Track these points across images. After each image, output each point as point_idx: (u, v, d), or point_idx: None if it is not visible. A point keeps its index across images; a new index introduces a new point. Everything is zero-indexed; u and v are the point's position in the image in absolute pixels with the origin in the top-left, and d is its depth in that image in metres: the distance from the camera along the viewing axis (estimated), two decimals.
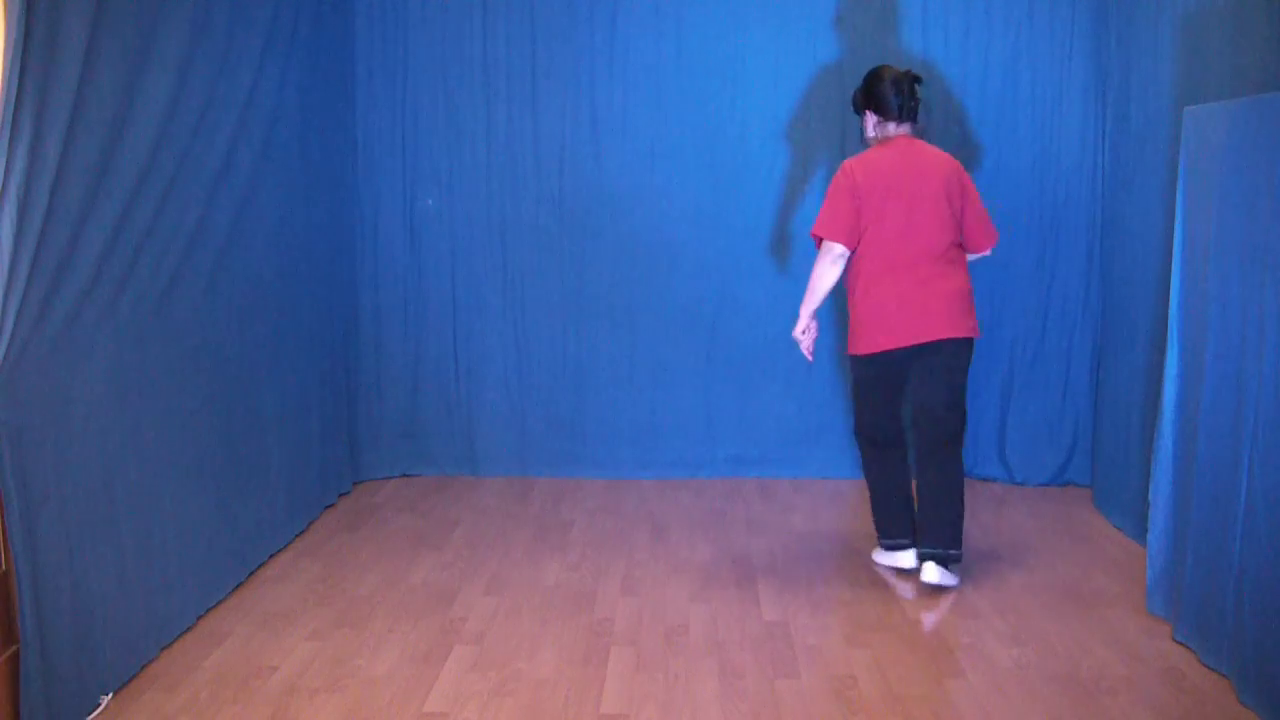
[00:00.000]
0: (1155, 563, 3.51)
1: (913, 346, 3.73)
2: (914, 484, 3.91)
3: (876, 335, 3.75)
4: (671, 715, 2.94)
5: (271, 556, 4.07)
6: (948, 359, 3.74)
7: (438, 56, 5.02)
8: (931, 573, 3.74)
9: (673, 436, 5.20)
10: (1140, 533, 4.00)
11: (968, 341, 3.77)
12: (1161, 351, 3.59)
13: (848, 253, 3.78)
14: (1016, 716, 2.92)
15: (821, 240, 3.79)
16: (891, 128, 3.84)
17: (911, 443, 3.89)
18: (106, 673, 2.98)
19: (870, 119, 3.88)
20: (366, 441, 5.12)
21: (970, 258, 3.88)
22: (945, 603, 3.68)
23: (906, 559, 3.94)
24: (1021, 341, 5.06)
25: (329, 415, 4.70)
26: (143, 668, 3.16)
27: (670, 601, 3.72)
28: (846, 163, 3.82)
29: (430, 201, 5.10)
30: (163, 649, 3.28)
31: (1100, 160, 4.87)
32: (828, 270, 3.79)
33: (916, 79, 3.85)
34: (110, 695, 2.97)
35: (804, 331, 3.89)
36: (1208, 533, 3.18)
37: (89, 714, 2.88)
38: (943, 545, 3.75)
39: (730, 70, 4.99)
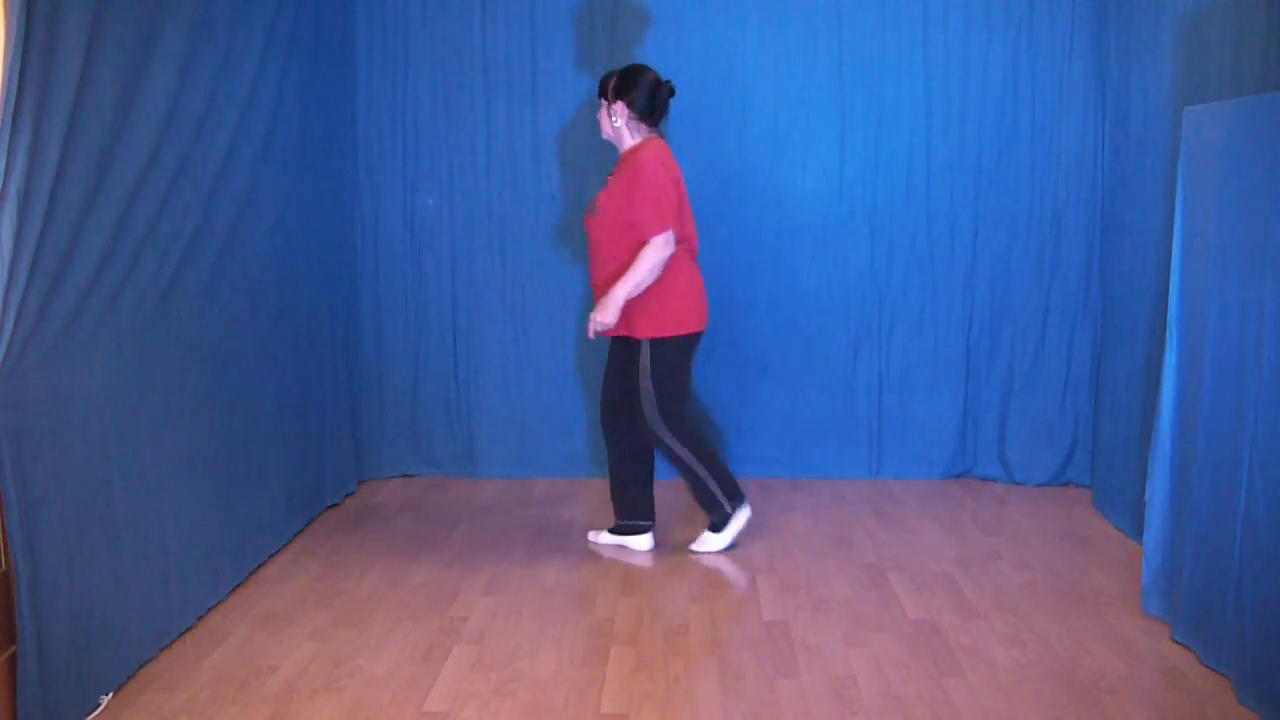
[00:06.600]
0: (1151, 563, 3.51)
1: (700, 333, 4.07)
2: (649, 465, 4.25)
3: (687, 319, 4.00)
4: (671, 715, 2.94)
5: (271, 556, 4.07)
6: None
7: (437, 55, 5.01)
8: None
9: None
10: (1140, 533, 3.99)
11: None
12: (1161, 351, 3.59)
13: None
14: (1016, 716, 2.92)
15: (654, 234, 3.86)
16: (644, 127, 4.03)
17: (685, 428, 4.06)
18: (106, 673, 2.97)
19: (624, 111, 4.00)
20: (367, 441, 5.12)
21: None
22: (945, 602, 3.69)
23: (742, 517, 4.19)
24: (1021, 341, 5.06)
25: (329, 415, 4.69)
26: (142, 667, 3.16)
27: (670, 601, 3.72)
28: (652, 155, 3.91)
29: (431, 201, 5.09)
30: (162, 649, 3.28)
31: (1100, 160, 4.87)
32: (662, 264, 3.89)
33: (672, 91, 4.06)
34: (110, 695, 2.97)
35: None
36: (1207, 533, 3.18)
37: (88, 714, 2.88)
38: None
39: (730, 70, 4.99)
